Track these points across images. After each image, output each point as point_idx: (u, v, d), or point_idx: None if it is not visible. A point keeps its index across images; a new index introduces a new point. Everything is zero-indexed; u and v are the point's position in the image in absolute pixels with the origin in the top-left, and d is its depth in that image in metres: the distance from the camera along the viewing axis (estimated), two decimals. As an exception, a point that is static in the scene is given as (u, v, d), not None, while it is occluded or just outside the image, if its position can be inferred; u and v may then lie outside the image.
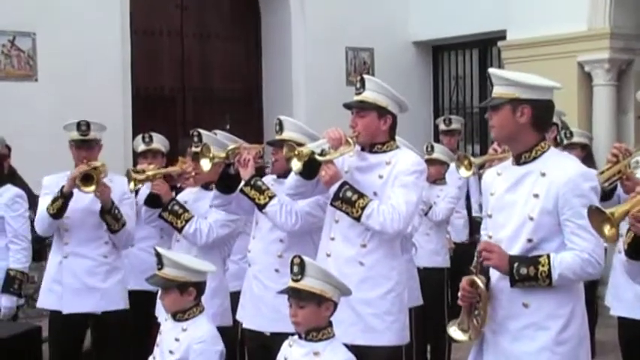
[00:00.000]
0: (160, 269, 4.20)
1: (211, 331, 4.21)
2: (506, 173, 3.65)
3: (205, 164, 4.68)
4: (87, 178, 5.23)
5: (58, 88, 8.65)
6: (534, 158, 3.55)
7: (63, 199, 5.30)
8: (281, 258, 4.57)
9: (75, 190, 5.26)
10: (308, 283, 3.68)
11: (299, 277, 3.69)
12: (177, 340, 4.16)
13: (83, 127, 5.40)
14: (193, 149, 5.00)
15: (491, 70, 3.67)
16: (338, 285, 3.77)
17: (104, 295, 5.45)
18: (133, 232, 5.56)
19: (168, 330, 4.24)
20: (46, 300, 5.57)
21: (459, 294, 3.59)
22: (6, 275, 5.79)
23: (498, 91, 3.58)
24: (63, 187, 5.29)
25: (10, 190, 5.92)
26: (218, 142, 4.99)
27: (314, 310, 3.70)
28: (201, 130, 4.99)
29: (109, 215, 5.37)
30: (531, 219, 3.47)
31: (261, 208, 4.55)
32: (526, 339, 3.49)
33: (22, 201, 5.92)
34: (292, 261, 3.74)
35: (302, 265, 3.69)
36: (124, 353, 5.63)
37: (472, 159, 5.71)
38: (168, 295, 4.21)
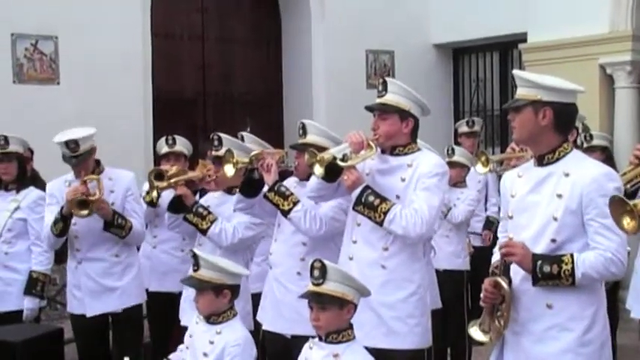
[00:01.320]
0: (195, 270, 4.22)
1: (246, 335, 4.24)
2: (527, 175, 3.65)
3: (229, 170, 4.68)
4: (82, 203, 5.27)
5: (80, 91, 8.69)
6: (557, 159, 3.56)
7: (63, 221, 5.35)
8: (303, 261, 4.58)
9: None
10: (330, 287, 3.68)
11: (320, 281, 3.69)
12: (211, 342, 4.17)
13: (72, 145, 5.34)
14: (214, 153, 5.01)
15: (515, 72, 3.68)
16: (358, 287, 3.77)
17: (123, 293, 5.50)
18: (143, 228, 5.59)
19: (202, 332, 4.25)
20: (70, 305, 5.64)
21: (482, 295, 3.58)
22: (28, 277, 5.84)
23: (521, 92, 3.59)
24: (62, 207, 5.32)
25: (33, 193, 5.97)
26: (239, 145, 4.99)
27: (336, 313, 3.70)
28: (221, 134, 5.00)
29: (113, 227, 5.41)
30: (555, 219, 3.47)
31: (286, 214, 4.56)
32: (549, 340, 3.48)
33: (45, 203, 5.96)
34: (312, 265, 3.74)
35: (323, 269, 3.69)
36: (138, 343, 5.67)
37: (489, 155, 5.71)
38: (203, 297, 4.22)
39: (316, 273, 3.70)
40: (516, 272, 3.57)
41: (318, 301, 3.71)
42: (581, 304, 3.48)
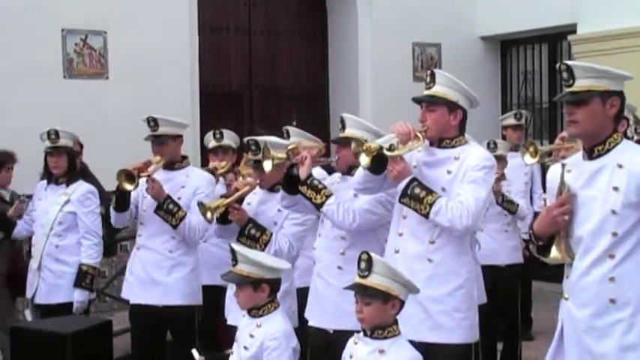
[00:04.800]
0: (234, 265, 4.21)
1: (285, 327, 4.20)
2: (577, 169, 3.55)
3: (267, 165, 4.64)
4: (130, 177, 5.34)
5: (128, 85, 8.77)
6: (608, 151, 3.46)
7: (117, 193, 5.46)
8: (343, 255, 4.56)
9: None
10: (374, 280, 3.65)
11: (366, 273, 3.66)
12: (251, 336, 4.16)
13: (151, 122, 5.52)
14: (252, 157, 4.91)
15: (574, 63, 3.52)
16: (405, 283, 3.73)
17: (166, 290, 5.53)
18: (201, 226, 5.49)
19: (245, 326, 4.25)
20: (123, 289, 5.76)
21: (557, 211, 3.48)
22: (78, 270, 5.92)
23: (585, 83, 3.45)
24: None
25: (83, 187, 6.05)
26: (275, 142, 4.93)
27: (380, 307, 3.67)
28: (256, 138, 4.90)
29: (162, 210, 5.44)
30: (614, 212, 3.38)
31: (319, 207, 4.51)
32: (614, 335, 3.39)
33: (94, 197, 6.05)
34: (360, 257, 3.71)
35: (369, 261, 3.66)
36: (187, 348, 5.68)
37: (538, 147, 5.64)
38: (242, 292, 4.21)
39: (362, 265, 3.68)
40: (575, 267, 3.49)
41: (362, 293, 3.69)
42: None
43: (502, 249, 6.40)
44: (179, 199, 5.50)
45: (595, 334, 3.43)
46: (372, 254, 3.69)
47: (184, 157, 5.73)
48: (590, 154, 3.51)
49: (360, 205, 4.48)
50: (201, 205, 4.94)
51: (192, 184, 5.56)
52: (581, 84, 3.47)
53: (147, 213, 5.56)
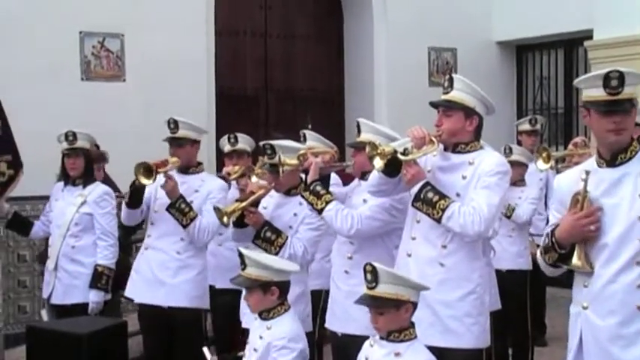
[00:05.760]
0: (243, 269, 4.23)
1: (294, 329, 4.21)
2: (594, 177, 3.47)
3: (280, 172, 4.71)
4: (148, 171, 5.37)
5: (145, 88, 8.82)
6: (630, 158, 3.43)
7: (132, 188, 5.51)
8: (350, 259, 4.57)
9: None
10: (383, 290, 3.67)
11: (373, 284, 3.68)
12: (261, 337, 4.19)
13: (171, 124, 5.56)
14: (269, 160, 4.91)
15: (627, 70, 3.41)
16: (413, 285, 3.74)
17: (171, 291, 5.55)
18: (210, 228, 5.52)
19: (256, 329, 4.28)
20: (127, 288, 5.78)
21: (586, 221, 3.41)
22: (94, 271, 5.96)
23: (631, 91, 3.38)
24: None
25: (99, 188, 6.10)
26: (290, 148, 4.95)
27: (393, 314, 3.69)
28: (272, 142, 4.91)
29: (174, 208, 5.47)
30: None
31: (319, 213, 4.54)
32: None
33: (110, 198, 6.09)
34: (365, 269, 3.73)
35: (374, 272, 3.67)
36: (194, 351, 5.70)
37: (551, 152, 5.61)
38: (252, 295, 4.23)
39: (369, 277, 3.69)
40: (598, 275, 3.43)
41: (374, 304, 3.71)
42: None
43: (504, 254, 6.39)
44: (191, 202, 5.54)
45: (621, 343, 3.36)
46: (376, 264, 3.69)
47: (199, 164, 5.77)
48: (612, 162, 3.47)
49: (360, 212, 4.49)
50: (217, 210, 4.96)
51: (206, 189, 5.60)
52: (629, 91, 3.40)
53: (158, 214, 5.60)
